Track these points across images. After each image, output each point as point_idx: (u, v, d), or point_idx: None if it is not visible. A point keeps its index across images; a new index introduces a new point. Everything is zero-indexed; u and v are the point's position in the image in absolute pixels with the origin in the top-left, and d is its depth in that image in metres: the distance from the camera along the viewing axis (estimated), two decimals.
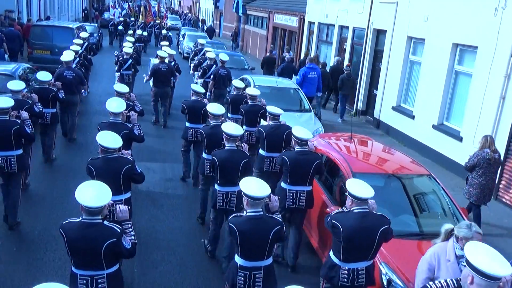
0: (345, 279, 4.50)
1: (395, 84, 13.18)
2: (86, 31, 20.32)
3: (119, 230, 3.86)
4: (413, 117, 12.22)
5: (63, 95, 9.22)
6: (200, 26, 50.76)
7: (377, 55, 14.80)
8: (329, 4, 18.06)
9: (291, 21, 22.87)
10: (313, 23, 19.89)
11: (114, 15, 35.59)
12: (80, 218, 3.86)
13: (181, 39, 29.74)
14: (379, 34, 14.57)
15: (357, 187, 4.52)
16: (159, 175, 9.29)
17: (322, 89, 14.09)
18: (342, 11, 16.75)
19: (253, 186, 4.33)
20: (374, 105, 14.51)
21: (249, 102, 8.87)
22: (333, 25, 17.67)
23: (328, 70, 15.17)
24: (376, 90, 14.48)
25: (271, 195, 4.47)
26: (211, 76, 12.41)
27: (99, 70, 19.43)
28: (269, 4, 27.69)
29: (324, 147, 7.13)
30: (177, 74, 13.08)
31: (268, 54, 19.03)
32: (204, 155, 7.07)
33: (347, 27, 16.47)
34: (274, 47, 21.88)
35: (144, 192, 8.46)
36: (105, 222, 3.87)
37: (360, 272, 4.53)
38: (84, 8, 49.54)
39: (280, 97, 12.14)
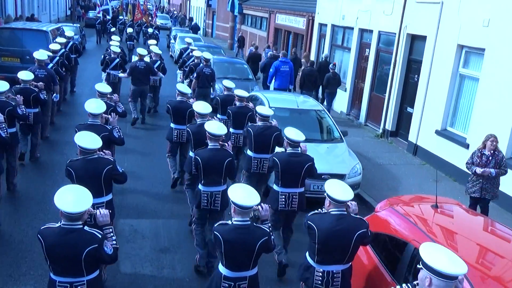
0: (320, 281, 4.41)
1: (440, 102, 10.72)
2: (64, 33, 18.14)
3: (100, 236, 3.73)
4: (467, 146, 9.77)
5: (45, 96, 9.04)
6: (188, 24, 49.09)
7: (411, 66, 12.34)
8: (346, 3, 15.56)
9: (297, 22, 20.36)
10: (325, 25, 17.37)
11: (99, 13, 33.54)
12: (59, 224, 3.69)
13: (172, 41, 27.05)
14: (415, 40, 12.11)
15: (335, 189, 4.39)
16: (149, 243, 6.71)
17: (310, 86, 14.17)
18: (364, 12, 14.27)
19: (242, 194, 4.15)
20: (409, 126, 12.06)
21: (237, 103, 8.49)
22: (352, 28, 15.17)
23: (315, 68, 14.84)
24: (411, 108, 12.03)
25: (262, 204, 4.34)
26: (195, 75, 12.17)
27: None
28: (270, 3, 25.11)
29: (407, 229, 4.58)
30: (162, 74, 12.89)
31: (253, 50, 19.21)
32: (190, 153, 6.92)
33: (371, 31, 13.98)
34: (256, 44, 21.29)
35: (128, 276, 5.89)
36: (86, 228, 3.71)
37: (335, 275, 4.40)
38: (70, 6, 46.68)
39: (302, 122, 9.60)
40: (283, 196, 5.96)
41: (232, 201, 4.11)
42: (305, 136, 9.02)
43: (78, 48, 15.89)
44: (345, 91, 15.46)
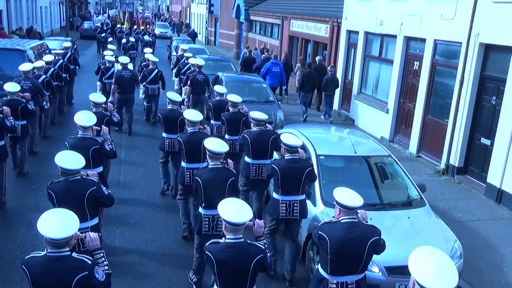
0: None
1: None
2: (49, 49, 15.81)
3: (90, 262, 3.47)
4: None
5: (33, 107, 8.90)
6: (185, 31, 47.89)
7: (484, 84, 9.56)
8: (385, 6, 12.81)
9: (318, 29, 17.61)
10: (356, 32, 14.62)
11: (100, 22, 31.80)
12: (45, 251, 3.43)
13: (173, 53, 24.29)
14: (492, 52, 9.33)
15: (345, 196, 4.26)
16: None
17: (309, 88, 14.70)
18: (411, 17, 11.52)
19: (233, 210, 3.87)
20: (484, 162, 9.31)
21: (231, 109, 8.31)
22: (394, 36, 12.41)
23: (313, 70, 15.04)
24: (487, 139, 9.27)
25: (256, 220, 4.15)
26: (188, 82, 12.11)
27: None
28: (282, 8, 22.37)
29: None
30: (160, 82, 12.93)
31: (247, 54, 19.40)
32: (183, 164, 6.66)
33: (422, 40, 11.20)
34: (250, 48, 21.69)
35: None
36: (74, 254, 3.47)
37: (349, 286, 4.24)
38: (69, 16, 44.20)
39: (363, 175, 6.90)
40: (284, 205, 5.74)
41: (222, 218, 3.84)
42: (371, 200, 6.44)
43: (76, 59, 15.69)
44: (387, 112, 12.70)
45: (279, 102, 16.18)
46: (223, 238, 3.90)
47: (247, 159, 7.00)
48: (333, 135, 8.14)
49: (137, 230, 7.17)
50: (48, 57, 12.28)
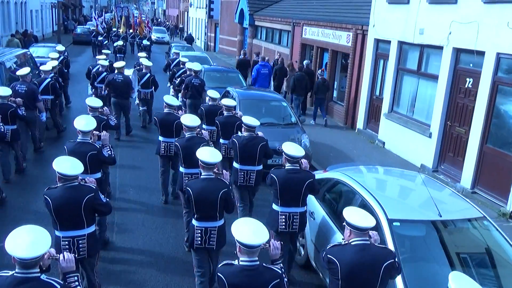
0: None
1: None
2: (34, 61, 14.14)
3: (59, 286, 3.21)
4: None
5: (23, 112, 8.72)
6: (179, 34, 46.88)
7: None
8: (426, 11, 10.92)
9: (337, 37, 15.67)
10: (387, 42, 12.71)
11: (97, 26, 30.25)
12: (13, 272, 3.18)
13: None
14: None
15: (355, 216, 4.01)
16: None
17: (300, 92, 14.93)
18: (464, 25, 9.63)
19: (248, 231, 3.64)
20: None
21: (225, 113, 8.30)
22: (439, 48, 10.50)
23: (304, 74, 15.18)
24: None
25: (272, 241, 3.92)
26: (183, 86, 12.00)
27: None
28: (293, 13, 20.45)
29: None
30: (153, 87, 12.80)
31: (242, 56, 19.86)
32: (181, 169, 6.70)
33: (480, 53, 9.29)
34: (246, 52, 21.27)
35: None
36: (43, 277, 3.21)
37: None
38: (62, 20, 42.21)
39: (451, 249, 4.97)
40: (283, 217, 5.54)
41: (236, 239, 3.63)
42: None
43: (67, 63, 16.08)
44: (429, 136, 10.78)
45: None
46: (237, 260, 3.66)
47: (235, 164, 6.99)
48: (402, 187, 6.16)
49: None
50: (52, 63, 12.26)
